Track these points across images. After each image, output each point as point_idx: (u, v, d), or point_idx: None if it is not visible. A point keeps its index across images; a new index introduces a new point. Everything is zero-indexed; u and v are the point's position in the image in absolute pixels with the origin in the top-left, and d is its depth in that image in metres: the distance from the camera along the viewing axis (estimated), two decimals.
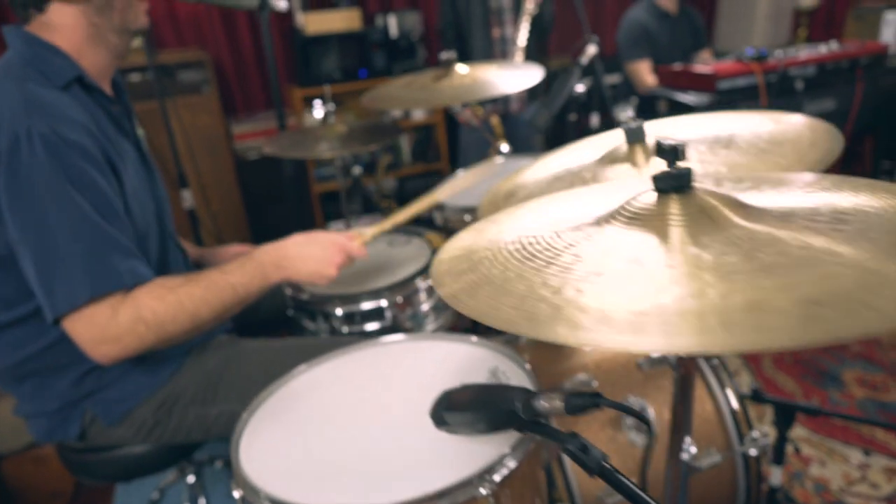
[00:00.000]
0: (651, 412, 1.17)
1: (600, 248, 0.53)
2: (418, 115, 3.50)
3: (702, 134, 1.02)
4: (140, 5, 1.07)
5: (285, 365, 1.01)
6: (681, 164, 0.55)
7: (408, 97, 1.53)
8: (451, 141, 3.55)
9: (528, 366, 0.86)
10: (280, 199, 3.21)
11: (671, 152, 0.55)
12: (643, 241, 0.53)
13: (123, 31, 1.07)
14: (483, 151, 2.86)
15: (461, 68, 1.60)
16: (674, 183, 0.55)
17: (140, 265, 0.97)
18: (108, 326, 0.93)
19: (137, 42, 1.20)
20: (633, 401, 1.17)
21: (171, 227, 1.22)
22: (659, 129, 1.03)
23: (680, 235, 0.53)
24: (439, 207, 1.48)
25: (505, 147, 1.76)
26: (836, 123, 2.40)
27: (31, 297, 0.98)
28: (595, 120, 2.15)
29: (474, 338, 0.98)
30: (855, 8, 3.71)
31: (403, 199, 2.58)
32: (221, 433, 1.13)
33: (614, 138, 1.19)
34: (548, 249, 0.55)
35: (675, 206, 0.55)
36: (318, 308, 1.26)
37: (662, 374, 1.18)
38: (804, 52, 2.37)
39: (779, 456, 1.22)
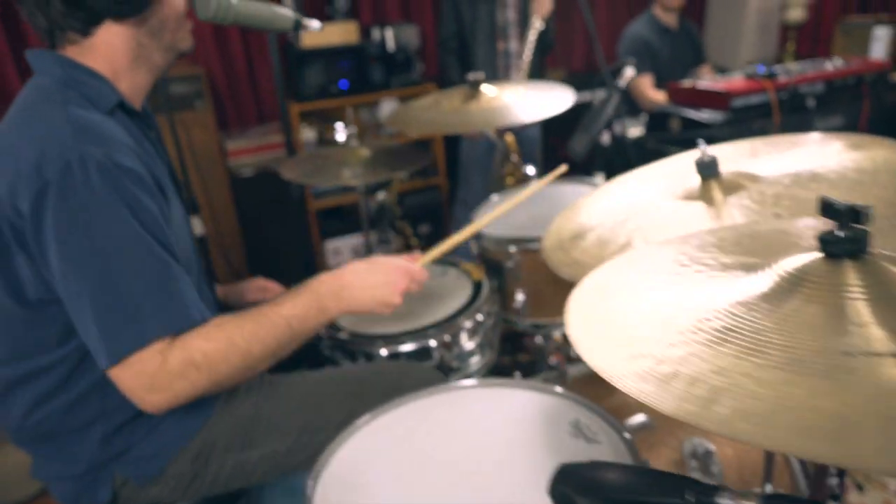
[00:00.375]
0: (713, 449, 1.13)
1: (789, 330, 0.46)
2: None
3: (772, 167, 0.97)
4: (188, 24, 0.99)
5: (326, 398, 0.95)
6: (856, 225, 0.50)
7: (437, 120, 1.47)
8: (449, 155, 3.50)
9: (627, 434, 0.79)
10: (276, 218, 3.12)
11: (848, 213, 0.49)
12: (824, 319, 0.47)
13: (170, 52, 1.00)
14: (486, 167, 2.81)
15: (489, 89, 1.55)
16: (848, 247, 0.50)
17: (200, 301, 0.90)
18: (158, 373, 0.85)
19: None
20: (697, 443, 1.12)
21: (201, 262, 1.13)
22: (722, 160, 0.98)
23: (864, 313, 0.47)
24: (476, 236, 1.41)
25: (531, 169, 1.71)
26: None
27: (58, 346, 0.90)
28: (606, 138, 2.11)
29: (557, 388, 0.91)
30: (842, 23, 3.77)
31: (403, 216, 2.52)
32: (264, 478, 1.05)
33: (668, 167, 1.16)
34: (733, 330, 0.48)
35: (851, 275, 0.49)
36: (359, 348, 1.18)
37: None
38: (811, 70, 2.37)
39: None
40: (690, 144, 0.95)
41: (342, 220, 3.34)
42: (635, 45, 2.94)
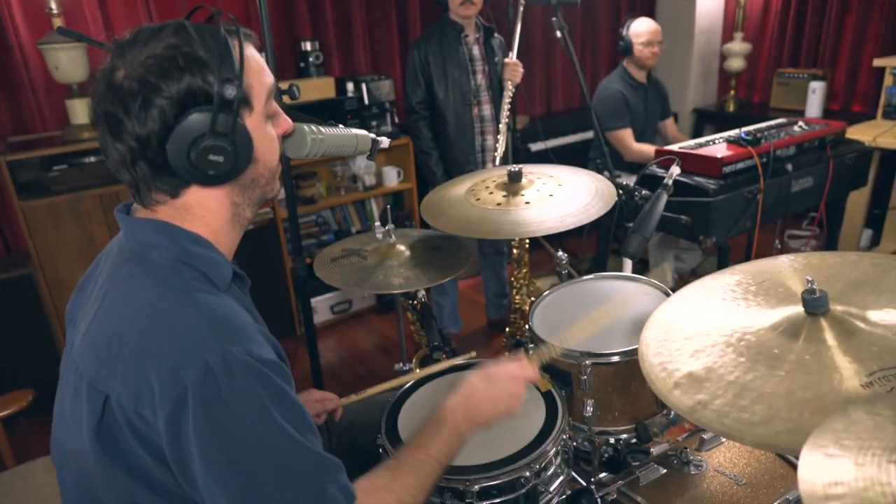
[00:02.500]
0: None
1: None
2: (391, 182, 3.39)
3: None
4: (278, 171, 0.92)
5: None
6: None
7: (469, 219, 1.43)
8: None
9: None
10: (252, 276, 2.97)
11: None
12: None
13: (259, 204, 0.93)
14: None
15: (528, 180, 1.55)
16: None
17: (346, 479, 0.83)
18: None
19: None
20: (791, 497, 1.14)
21: None
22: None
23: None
24: (540, 343, 1.39)
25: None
26: (814, 198, 2.54)
27: None
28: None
29: None
30: (778, 74, 4.05)
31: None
32: None
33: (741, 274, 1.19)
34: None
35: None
36: (450, 485, 1.12)
37: None
38: (783, 134, 2.53)
39: None
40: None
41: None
42: (615, 101, 3.04)
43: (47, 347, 2.56)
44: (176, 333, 0.74)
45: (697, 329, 1.08)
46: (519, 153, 3.65)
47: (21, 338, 2.50)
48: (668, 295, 1.44)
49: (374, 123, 3.24)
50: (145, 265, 0.81)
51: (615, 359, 1.28)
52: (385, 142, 1.15)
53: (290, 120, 0.95)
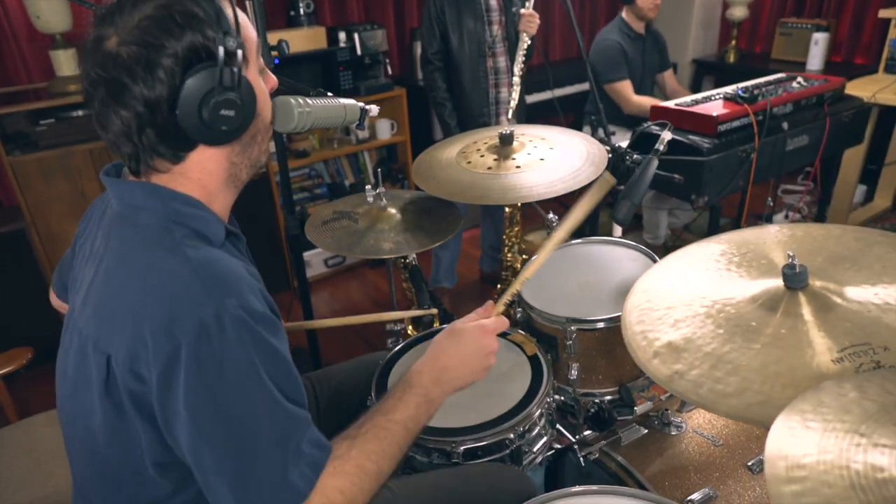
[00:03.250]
0: None
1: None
2: (384, 134, 3.36)
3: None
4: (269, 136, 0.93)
5: None
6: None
7: (461, 183, 1.43)
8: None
9: None
10: (244, 230, 2.97)
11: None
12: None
13: (254, 167, 0.93)
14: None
15: (519, 143, 1.54)
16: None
17: (318, 433, 0.85)
18: None
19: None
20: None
21: None
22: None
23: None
24: (528, 308, 1.41)
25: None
26: (809, 156, 2.54)
27: (174, 494, 0.86)
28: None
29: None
30: (781, 24, 3.95)
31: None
32: None
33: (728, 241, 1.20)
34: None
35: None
36: (436, 446, 1.17)
37: None
38: (781, 91, 2.49)
39: None
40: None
41: None
42: (613, 52, 2.98)
43: (43, 302, 2.56)
44: (170, 291, 0.76)
45: (680, 299, 1.10)
46: (519, 105, 3.61)
47: (16, 293, 2.52)
48: (654, 261, 1.45)
49: (367, 74, 3.18)
50: (136, 227, 0.82)
51: (600, 325, 1.31)
52: (374, 110, 1.14)
53: (274, 77, 0.94)
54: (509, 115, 2.47)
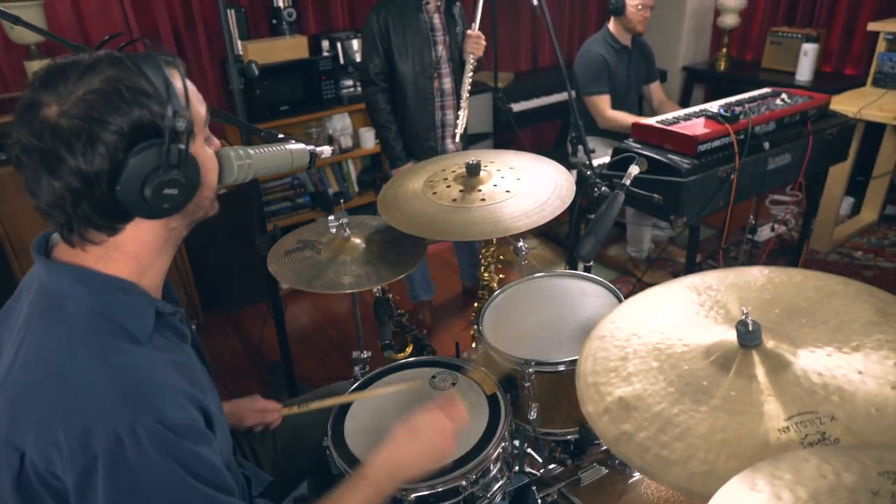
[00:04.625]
0: None
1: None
2: (368, 144, 3.33)
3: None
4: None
5: None
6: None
7: (426, 216, 1.41)
8: None
9: None
10: (222, 241, 2.95)
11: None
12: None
13: (194, 224, 0.91)
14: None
15: (487, 172, 1.52)
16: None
17: None
18: None
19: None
20: None
21: None
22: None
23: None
24: (487, 345, 1.39)
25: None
26: (791, 174, 2.51)
27: None
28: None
29: None
30: (772, 33, 3.92)
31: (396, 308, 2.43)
32: None
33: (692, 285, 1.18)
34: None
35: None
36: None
37: None
38: (764, 108, 2.46)
39: None
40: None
41: None
42: (595, 65, 2.95)
43: None
44: (85, 398, 0.73)
45: (635, 349, 1.08)
46: (500, 114, 3.58)
47: None
48: (618, 299, 1.43)
49: (349, 83, 3.14)
50: (60, 317, 0.79)
51: (560, 367, 1.29)
52: (327, 151, 1.11)
53: (216, 140, 0.92)
54: (456, 140, 2.42)
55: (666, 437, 0.90)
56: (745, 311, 0.98)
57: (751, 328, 0.96)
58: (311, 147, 1.07)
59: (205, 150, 0.87)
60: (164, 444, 0.74)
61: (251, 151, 0.93)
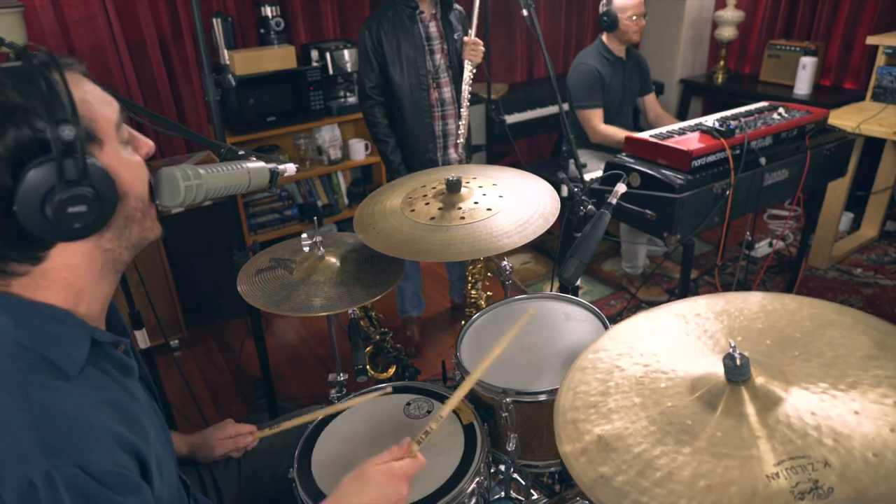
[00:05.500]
0: None
1: None
2: (357, 155, 3.27)
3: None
4: (153, 211, 0.83)
5: None
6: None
7: (403, 235, 1.34)
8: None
9: None
10: (206, 254, 2.89)
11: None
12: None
13: (138, 246, 0.84)
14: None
15: (467, 184, 1.46)
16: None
17: None
18: None
19: None
20: None
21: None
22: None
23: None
24: (464, 371, 1.32)
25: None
26: (789, 191, 2.45)
27: None
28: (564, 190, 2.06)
29: None
30: (770, 45, 3.87)
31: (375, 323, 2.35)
32: None
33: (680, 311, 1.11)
34: None
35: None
36: None
37: None
38: (761, 123, 2.41)
39: None
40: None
41: None
42: (589, 78, 2.90)
43: None
44: (2, 446, 0.66)
45: (617, 384, 1.01)
46: (494, 126, 3.52)
47: None
48: (604, 325, 1.37)
49: (340, 94, 3.10)
50: None
51: (541, 397, 1.22)
52: (290, 169, 1.05)
53: (149, 141, 0.84)
54: (459, 150, 2.37)
55: (646, 483, 0.83)
56: (732, 344, 0.91)
57: (738, 362, 0.89)
58: (271, 165, 1.00)
59: (121, 157, 0.79)
60: (83, 494, 0.67)
61: (201, 171, 0.87)
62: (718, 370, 0.94)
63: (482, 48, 2.31)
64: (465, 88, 2.26)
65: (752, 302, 1.11)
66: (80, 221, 0.72)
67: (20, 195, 0.68)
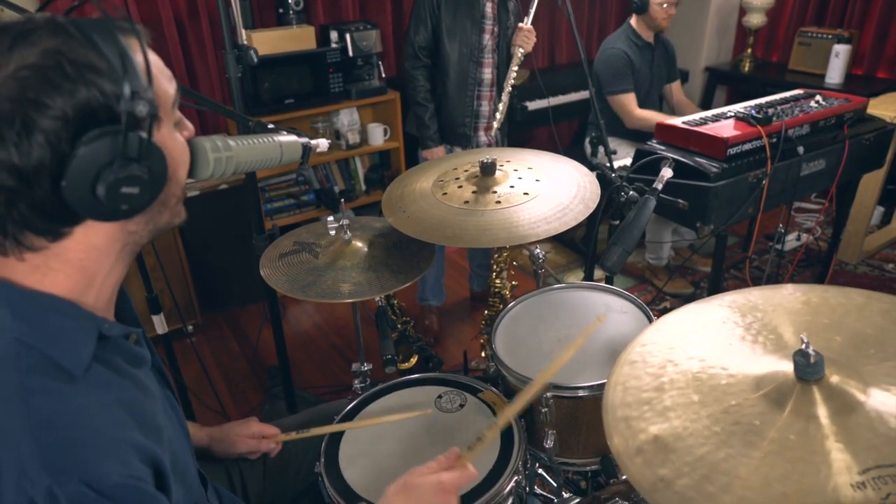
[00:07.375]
0: None
1: None
2: (376, 140, 3.20)
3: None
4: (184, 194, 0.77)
5: None
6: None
7: (435, 220, 1.27)
8: (412, 164, 3.29)
9: None
10: (222, 238, 2.83)
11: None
12: None
13: (160, 231, 0.77)
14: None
15: (501, 167, 1.39)
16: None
17: None
18: None
19: None
20: None
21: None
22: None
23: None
24: (500, 364, 1.26)
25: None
26: (825, 181, 2.35)
27: None
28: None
29: None
30: (801, 33, 3.75)
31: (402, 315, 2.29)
32: None
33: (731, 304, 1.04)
34: None
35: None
36: None
37: None
38: (798, 111, 2.31)
39: None
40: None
41: None
42: (619, 62, 2.81)
43: None
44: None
45: (672, 379, 0.94)
46: (515, 112, 3.43)
47: None
48: (647, 317, 1.29)
49: (362, 77, 3.02)
50: None
51: (581, 393, 1.15)
52: (323, 145, 0.98)
53: (190, 125, 0.79)
54: (493, 134, 2.32)
55: (711, 488, 0.76)
56: (804, 340, 0.83)
57: (813, 360, 0.82)
58: (304, 139, 0.94)
59: (174, 138, 0.73)
60: None
61: (231, 143, 0.80)
62: (784, 367, 0.87)
63: (534, 37, 2.27)
64: (511, 74, 2.21)
65: (814, 295, 1.03)
66: (128, 203, 0.66)
67: (74, 164, 0.62)
